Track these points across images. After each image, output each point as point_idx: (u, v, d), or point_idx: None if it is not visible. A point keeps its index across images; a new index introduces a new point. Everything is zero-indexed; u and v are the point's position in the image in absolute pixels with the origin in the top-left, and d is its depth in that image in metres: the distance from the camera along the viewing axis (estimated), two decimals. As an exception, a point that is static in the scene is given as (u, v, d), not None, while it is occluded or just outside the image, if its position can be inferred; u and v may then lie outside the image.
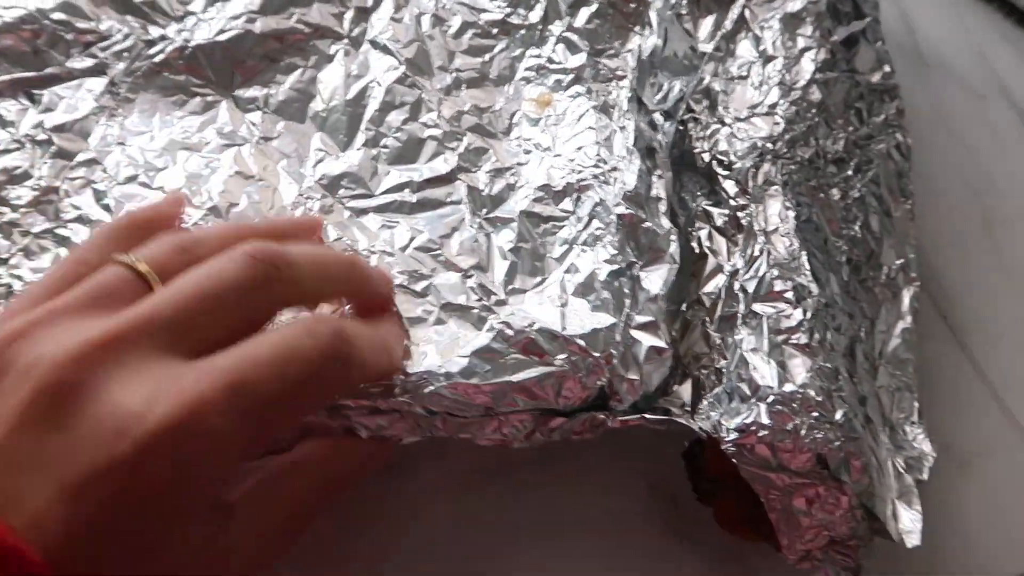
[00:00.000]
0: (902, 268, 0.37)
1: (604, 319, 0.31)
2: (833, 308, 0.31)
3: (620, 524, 0.35)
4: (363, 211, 0.35)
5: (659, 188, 0.35)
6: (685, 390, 0.31)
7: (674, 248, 0.33)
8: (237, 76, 0.38)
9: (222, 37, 0.38)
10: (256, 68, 0.38)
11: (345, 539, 0.34)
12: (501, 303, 0.32)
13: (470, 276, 0.33)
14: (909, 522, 0.30)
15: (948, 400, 0.39)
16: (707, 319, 0.32)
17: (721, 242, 0.34)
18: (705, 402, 0.30)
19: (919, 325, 0.39)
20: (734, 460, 0.29)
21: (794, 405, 0.27)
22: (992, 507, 0.37)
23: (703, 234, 0.34)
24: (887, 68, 0.39)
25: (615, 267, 0.32)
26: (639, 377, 0.30)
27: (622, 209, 0.33)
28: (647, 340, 0.31)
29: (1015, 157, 0.46)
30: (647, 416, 0.30)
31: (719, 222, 0.34)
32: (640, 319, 0.31)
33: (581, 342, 0.30)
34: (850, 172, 0.36)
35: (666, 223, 0.33)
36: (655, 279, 0.32)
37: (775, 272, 0.30)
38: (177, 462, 0.21)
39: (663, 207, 0.34)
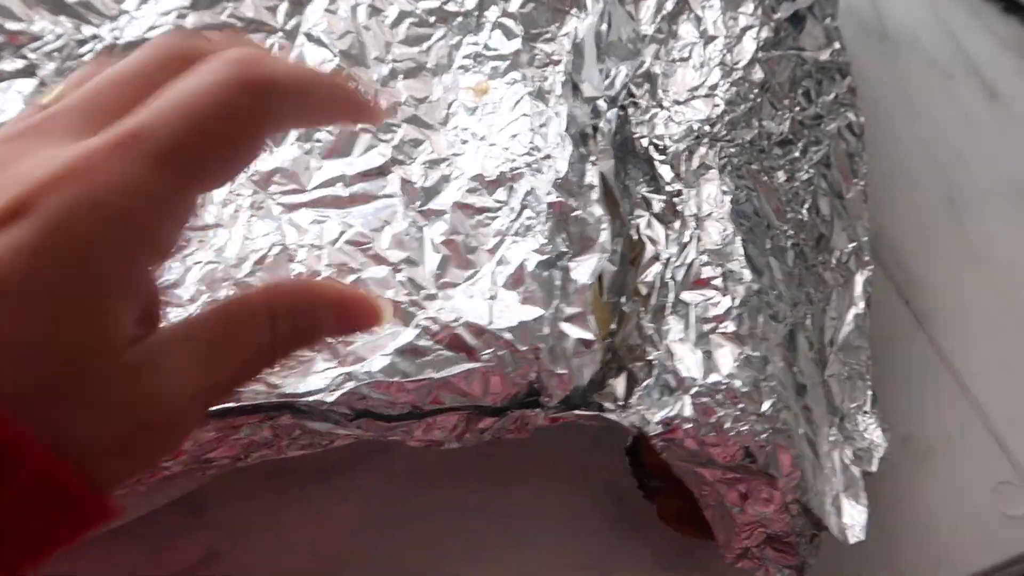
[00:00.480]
0: (855, 252, 0.35)
1: (532, 312, 0.30)
2: (768, 295, 0.29)
3: (566, 521, 0.34)
4: (295, 207, 0.34)
5: (593, 175, 0.33)
6: (620, 384, 0.30)
7: (605, 237, 0.31)
8: None
9: (152, 33, 0.37)
10: None
11: (289, 544, 0.34)
12: (431, 298, 0.31)
13: (400, 270, 0.32)
14: (852, 517, 0.28)
15: (910, 388, 0.38)
16: (642, 309, 0.31)
17: (659, 230, 0.33)
18: (635, 396, 0.29)
19: (877, 311, 0.38)
20: (663, 455, 0.27)
21: (718, 396, 0.26)
22: (955, 498, 0.35)
23: (642, 222, 0.33)
24: (837, 45, 0.37)
25: (544, 257, 0.31)
26: (568, 371, 0.29)
27: (552, 197, 0.32)
28: (575, 333, 0.29)
29: (983, 135, 0.44)
30: (578, 412, 0.29)
31: (657, 209, 0.33)
32: (569, 311, 0.30)
33: (508, 336, 0.29)
34: (797, 154, 0.35)
35: (598, 211, 0.32)
36: (584, 269, 0.30)
37: (704, 259, 0.29)
38: (75, 223, 0.18)
39: (595, 195, 0.33)
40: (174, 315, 0.31)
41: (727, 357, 0.27)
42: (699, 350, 0.27)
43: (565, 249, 0.31)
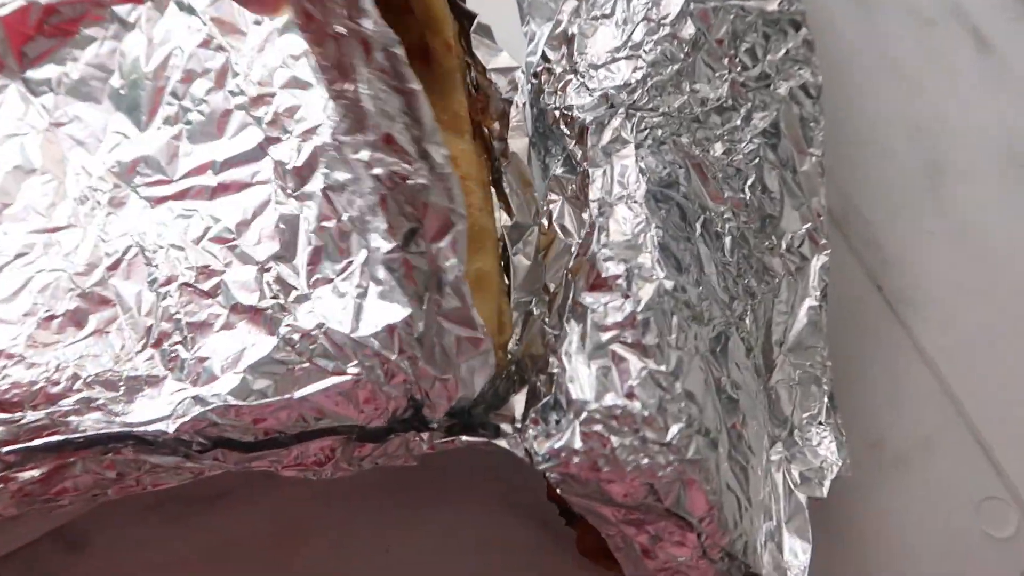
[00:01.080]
0: (809, 234, 0.30)
1: (398, 312, 0.25)
2: (687, 293, 0.24)
3: (485, 551, 0.30)
4: (161, 199, 0.30)
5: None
6: (519, 401, 0.26)
7: (458, 200, 0.26)
8: (27, 55, 0.33)
9: (3, 12, 0.33)
10: (48, 44, 0.33)
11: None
12: (302, 299, 0.27)
13: (268, 269, 0.28)
14: (795, 555, 0.24)
15: (881, 386, 0.33)
16: (546, 312, 0.26)
17: (571, 217, 0.28)
18: (530, 418, 0.24)
19: (844, 297, 0.33)
20: (559, 490, 0.23)
21: (613, 423, 0.22)
22: (932, 516, 0.30)
23: (555, 208, 0.28)
24: (788, -8, 0.32)
25: (393, 243, 0.26)
26: (452, 377, 0.25)
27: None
28: (455, 330, 0.25)
29: (969, 90, 0.38)
30: (464, 438, 0.25)
31: (570, 192, 0.28)
32: (446, 304, 0.25)
33: (374, 343, 0.25)
34: (738, 121, 0.30)
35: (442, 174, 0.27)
36: (447, 251, 0.25)
37: (607, 252, 0.24)
38: None
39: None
40: (7, 334, 0.27)
41: (627, 373, 0.22)
42: (594, 364, 0.23)
43: (415, 225, 0.26)
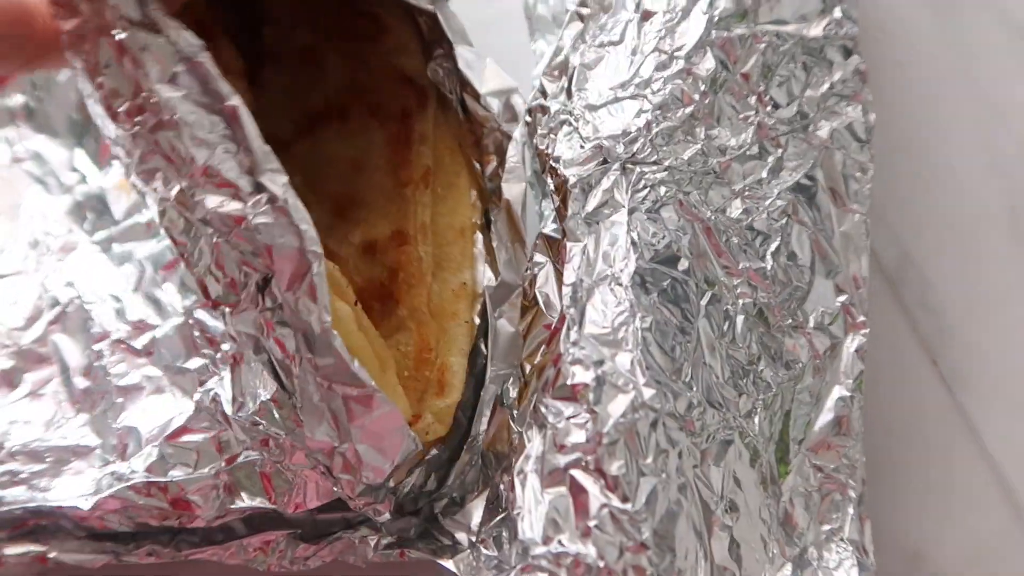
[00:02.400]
0: (844, 309, 0.25)
1: (269, 384, 0.21)
2: (675, 401, 0.20)
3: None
4: (108, 243, 0.28)
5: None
6: (478, 508, 0.22)
7: (313, 247, 0.20)
8: None
9: None
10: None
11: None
12: (226, 358, 0.25)
13: (196, 323, 0.26)
14: None
15: (929, 484, 0.28)
16: (516, 403, 0.23)
17: (555, 285, 0.24)
18: (481, 536, 0.21)
19: (892, 374, 0.28)
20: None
21: (561, 573, 0.18)
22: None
23: (540, 272, 0.25)
24: (837, 12, 0.27)
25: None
26: (349, 447, 0.20)
27: None
28: (341, 390, 0.20)
29: (1067, 121, 0.32)
30: (414, 554, 0.22)
31: (555, 256, 0.24)
32: (322, 363, 0.20)
33: (261, 421, 0.22)
34: (764, 174, 0.25)
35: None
36: (306, 300, 0.20)
37: (576, 352, 0.20)
38: None
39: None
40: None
41: (584, 509, 0.19)
42: (548, 494, 0.19)
43: (265, 274, 0.20)
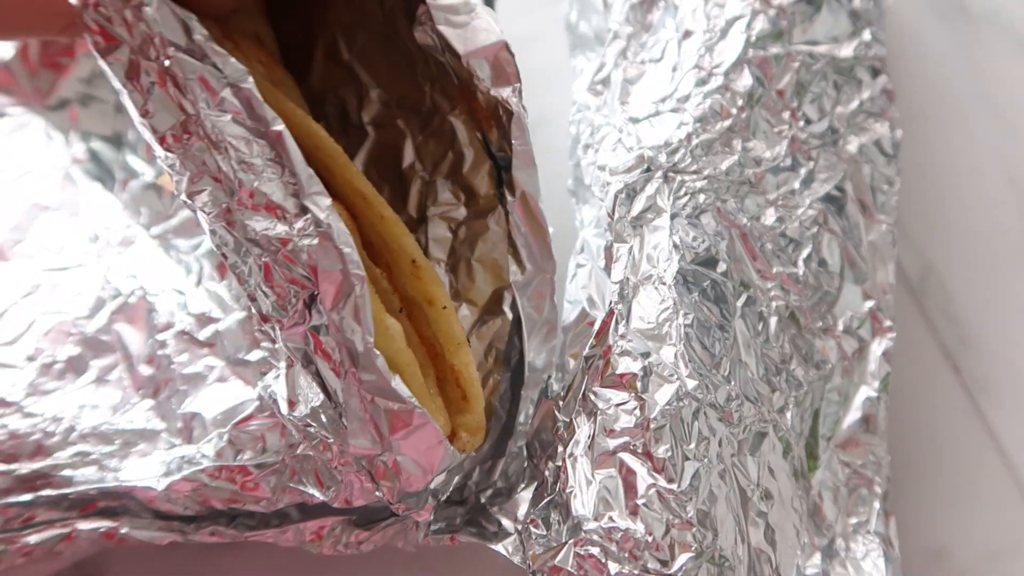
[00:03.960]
0: (872, 314, 0.27)
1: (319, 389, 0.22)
2: (716, 392, 0.22)
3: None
4: (165, 237, 0.30)
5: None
6: (527, 496, 0.24)
7: (356, 271, 0.20)
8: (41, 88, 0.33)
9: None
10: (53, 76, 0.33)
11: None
12: (280, 354, 0.26)
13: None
14: None
15: (952, 485, 0.29)
16: (562, 394, 0.24)
17: (598, 286, 0.25)
18: (530, 518, 0.22)
19: (914, 380, 0.29)
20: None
21: (612, 547, 0.19)
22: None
23: (582, 274, 0.26)
24: (867, 35, 0.28)
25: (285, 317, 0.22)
26: (390, 457, 0.21)
27: None
28: (384, 404, 0.21)
29: (1084, 142, 0.33)
30: (462, 538, 0.23)
31: (599, 258, 0.26)
32: (366, 378, 0.21)
33: (311, 423, 0.22)
34: (796, 184, 0.27)
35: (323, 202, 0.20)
36: (350, 321, 0.20)
37: (624, 344, 0.22)
38: None
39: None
40: (7, 380, 0.27)
41: (633, 489, 0.20)
42: (599, 474, 0.20)
43: (312, 291, 0.21)
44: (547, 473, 0.24)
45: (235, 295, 0.27)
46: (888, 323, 0.27)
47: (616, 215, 0.24)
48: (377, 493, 0.22)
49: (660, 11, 0.29)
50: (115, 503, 0.25)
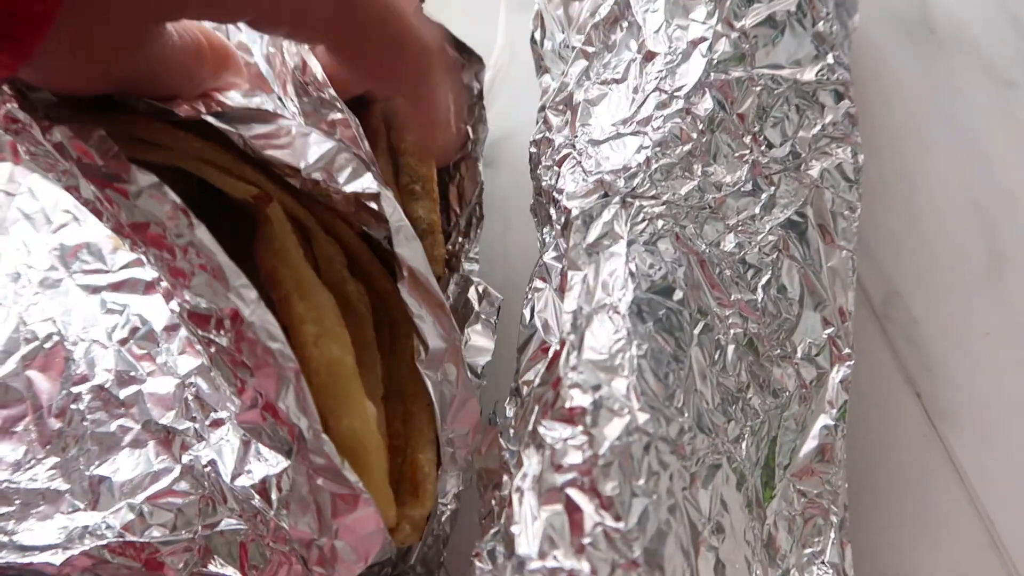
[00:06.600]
0: (831, 341, 0.26)
1: (278, 462, 0.21)
2: (668, 426, 0.21)
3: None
4: (96, 289, 0.29)
5: None
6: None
7: (288, 364, 0.20)
8: None
9: None
10: None
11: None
12: (217, 424, 0.25)
13: (191, 385, 0.26)
14: None
15: (911, 513, 0.29)
16: (512, 423, 0.24)
17: (555, 311, 0.25)
18: (475, 551, 0.22)
19: (876, 406, 0.29)
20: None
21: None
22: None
23: (538, 299, 0.26)
24: (830, 59, 0.28)
25: (239, 402, 0.22)
26: (327, 541, 0.21)
27: None
28: (329, 487, 0.21)
29: (1048, 167, 0.33)
30: None
31: (556, 283, 0.26)
32: (316, 461, 0.21)
33: (255, 496, 0.22)
34: (757, 210, 0.26)
35: None
36: (295, 409, 0.20)
37: (575, 377, 0.21)
38: None
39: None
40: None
41: (579, 527, 0.19)
42: (545, 511, 0.20)
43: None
44: (493, 503, 0.23)
45: (179, 355, 0.26)
46: (847, 351, 0.27)
47: (571, 242, 0.24)
48: None
49: (623, 31, 0.28)
50: (13, 574, 0.24)
